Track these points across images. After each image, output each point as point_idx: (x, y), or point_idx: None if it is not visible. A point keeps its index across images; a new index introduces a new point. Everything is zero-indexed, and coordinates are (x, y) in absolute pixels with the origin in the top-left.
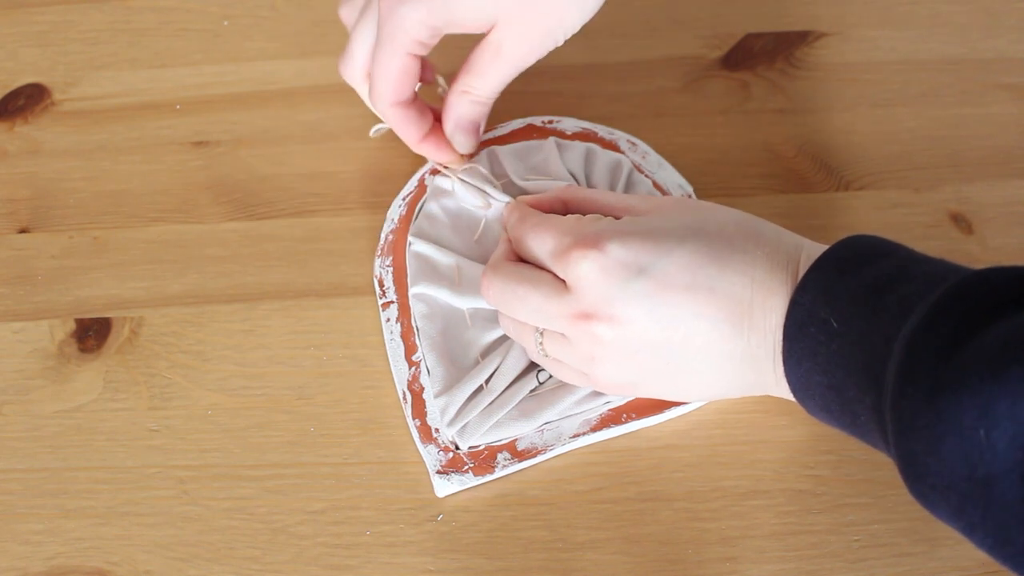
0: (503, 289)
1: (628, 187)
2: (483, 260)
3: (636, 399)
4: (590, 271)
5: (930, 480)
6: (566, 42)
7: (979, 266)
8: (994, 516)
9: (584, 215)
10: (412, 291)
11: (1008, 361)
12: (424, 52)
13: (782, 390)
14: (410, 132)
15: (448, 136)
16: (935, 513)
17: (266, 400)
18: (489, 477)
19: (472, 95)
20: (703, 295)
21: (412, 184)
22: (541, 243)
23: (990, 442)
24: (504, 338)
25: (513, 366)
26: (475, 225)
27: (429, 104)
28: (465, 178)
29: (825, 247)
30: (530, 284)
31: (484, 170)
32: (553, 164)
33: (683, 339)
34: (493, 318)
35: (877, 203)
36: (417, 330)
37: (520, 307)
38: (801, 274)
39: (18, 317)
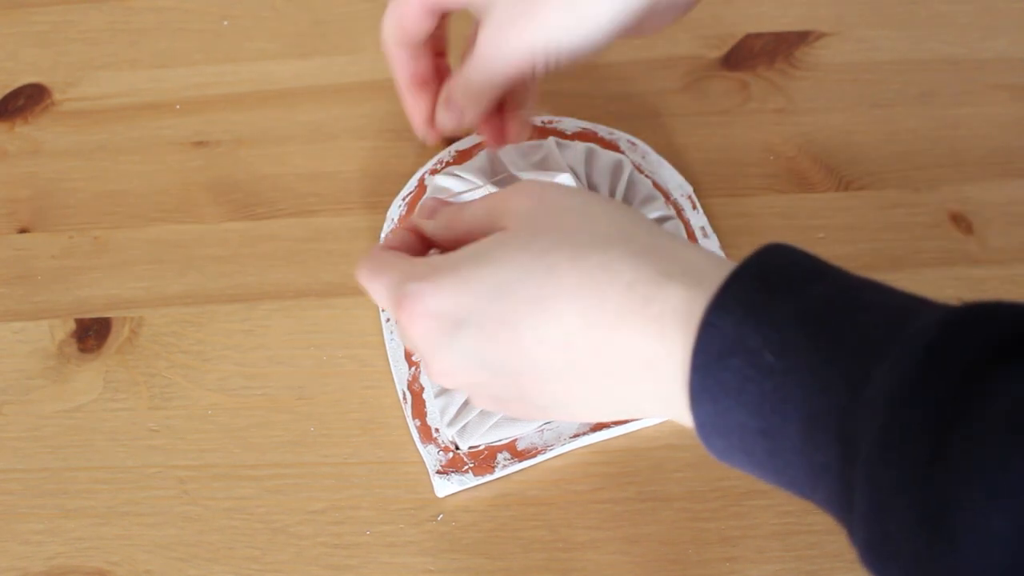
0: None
1: (628, 187)
2: None
3: None
4: (413, 334)
5: (904, 564)
6: None
7: (978, 268)
8: None
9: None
10: None
11: None
12: (433, 7)
13: (679, 419)
14: (398, 70)
15: (437, 105)
16: None
17: (266, 400)
18: (489, 477)
19: (462, 79)
20: (532, 347)
21: (412, 184)
22: (379, 299)
23: (997, 530)
24: None
25: None
26: None
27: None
28: (460, 172)
29: (709, 259)
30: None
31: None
32: (553, 160)
33: (532, 382)
34: None
35: (877, 203)
36: None
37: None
38: (673, 303)
39: (18, 317)
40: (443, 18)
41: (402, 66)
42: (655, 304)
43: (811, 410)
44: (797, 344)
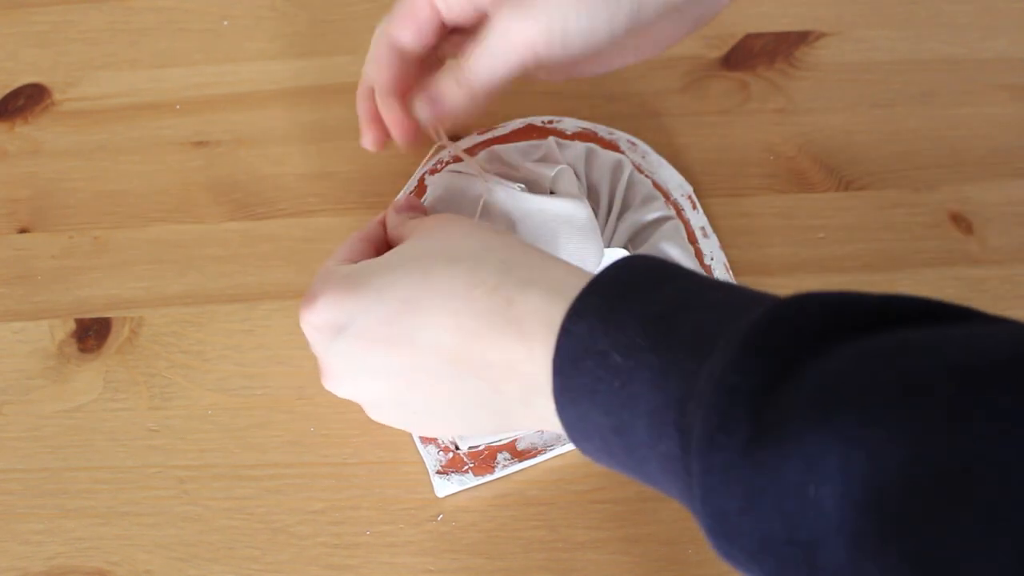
0: None
1: (628, 187)
2: None
3: None
4: (306, 330)
5: (742, 542)
6: None
7: (978, 268)
8: None
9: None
10: None
11: (838, 406)
12: (442, 7)
13: (549, 425)
14: (385, 72)
15: (417, 98)
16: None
17: (266, 400)
18: (489, 477)
19: (458, 71)
20: (405, 348)
21: (412, 184)
22: None
23: (816, 499)
24: None
25: None
26: (471, 211)
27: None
28: (461, 170)
29: (570, 274)
30: None
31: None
32: (553, 160)
33: (408, 389)
34: None
35: (877, 203)
36: None
37: None
38: (533, 306)
39: (18, 317)
40: (442, 35)
41: (391, 69)
42: (516, 307)
43: (654, 405)
44: (640, 344)
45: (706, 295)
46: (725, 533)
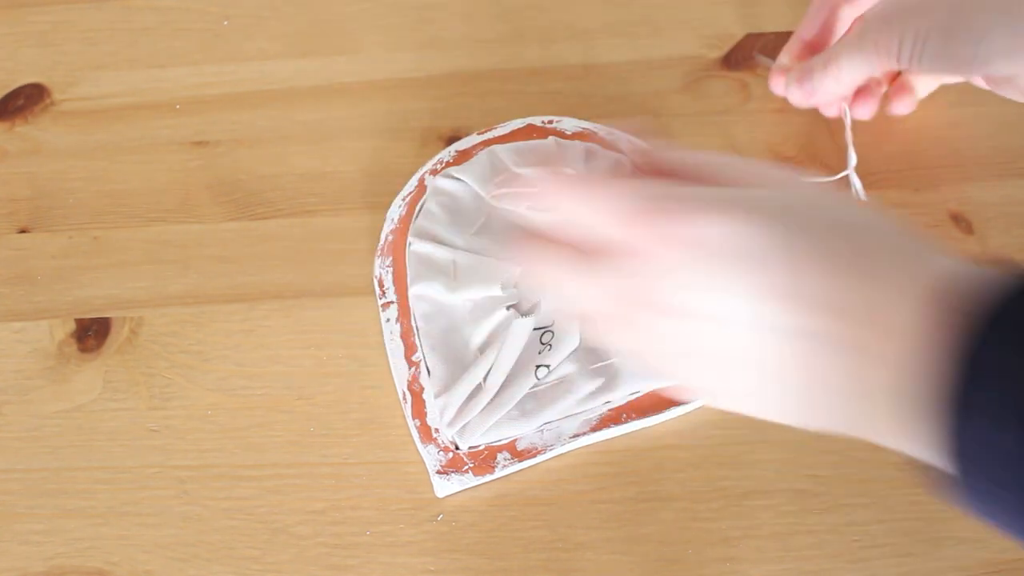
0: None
1: None
2: (482, 253)
3: (637, 399)
4: (662, 250)
5: None
6: (565, 42)
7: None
8: None
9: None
10: (412, 291)
11: None
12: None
13: (900, 442)
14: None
15: (790, 74)
16: None
17: (266, 400)
18: (489, 477)
19: (827, 57)
20: (805, 304)
21: (412, 184)
22: (605, 204)
23: None
24: (498, 331)
25: (508, 358)
26: (474, 219)
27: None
28: (459, 174)
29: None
30: (571, 262)
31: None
32: (554, 161)
33: (777, 349)
34: (490, 310)
35: (877, 203)
36: (417, 330)
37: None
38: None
39: (18, 317)
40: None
41: (809, 23)
42: (878, 311)
43: None
44: None
45: None
46: None
